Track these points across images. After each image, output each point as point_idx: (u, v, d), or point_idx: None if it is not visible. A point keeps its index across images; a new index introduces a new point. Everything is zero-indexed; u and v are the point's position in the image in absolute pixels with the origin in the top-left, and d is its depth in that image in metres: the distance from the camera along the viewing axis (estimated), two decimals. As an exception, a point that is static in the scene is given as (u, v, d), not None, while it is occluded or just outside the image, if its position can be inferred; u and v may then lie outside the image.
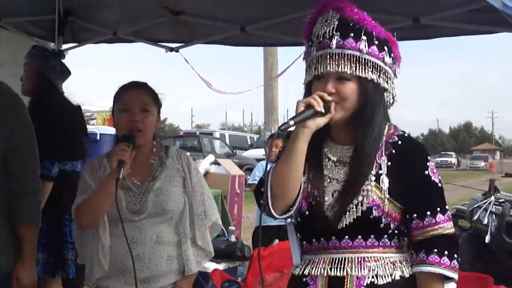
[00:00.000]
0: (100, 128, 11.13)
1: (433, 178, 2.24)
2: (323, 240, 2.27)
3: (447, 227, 2.22)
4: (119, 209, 2.73)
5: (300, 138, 2.18)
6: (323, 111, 2.15)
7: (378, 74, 2.25)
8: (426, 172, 2.24)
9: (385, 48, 2.26)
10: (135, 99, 2.98)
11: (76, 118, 4.53)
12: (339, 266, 2.23)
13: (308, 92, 2.30)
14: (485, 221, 7.42)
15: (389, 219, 2.21)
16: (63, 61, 4.83)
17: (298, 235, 2.38)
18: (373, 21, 2.26)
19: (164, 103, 3.13)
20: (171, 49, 5.64)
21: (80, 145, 4.50)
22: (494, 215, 7.40)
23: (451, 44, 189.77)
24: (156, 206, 2.92)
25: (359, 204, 2.19)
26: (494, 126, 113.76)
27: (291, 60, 4.96)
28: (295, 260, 2.37)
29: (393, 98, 2.35)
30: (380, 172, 2.23)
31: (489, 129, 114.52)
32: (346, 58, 2.20)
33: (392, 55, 2.29)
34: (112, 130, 3.09)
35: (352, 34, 2.21)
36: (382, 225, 2.21)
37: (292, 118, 2.13)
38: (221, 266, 4.84)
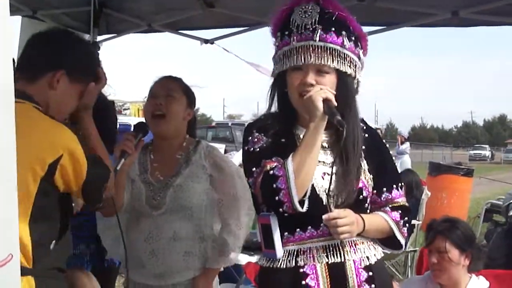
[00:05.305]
0: (134, 119, 11.22)
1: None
2: (311, 228, 2.26)
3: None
4: (114, 200, 2.57)
5: (320, 131, 2.24)
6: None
7: (355, 68, 2.33)
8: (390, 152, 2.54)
9: (359, 44, 2.34)
10: (162, 87, 2.98)
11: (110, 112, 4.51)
12: (335, 252, 2.25)
13: (280, 81, 2.35)
14: (521, 216, 7.33)
15: (369, 198, 2.37)
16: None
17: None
18: (350, 16, 2.31)
19: (196, 94, 3.08)
20: (206, 41, 5.62)
21: (113, 139, 4.48)
22: (530, 211, 7.31)
23: (487, 37, 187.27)
24: (174, 202, 2.90)
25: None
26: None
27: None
28: (279, 253, 2.28)
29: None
30: None
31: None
32: (328, 51, 2.25)
33: (363, 51, 2.38)
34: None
35: (333, 29, 2.25)
36: (366, 204, 2.37)
37: (336, 114, 2.20)
38: (254, 259, 4.83)
